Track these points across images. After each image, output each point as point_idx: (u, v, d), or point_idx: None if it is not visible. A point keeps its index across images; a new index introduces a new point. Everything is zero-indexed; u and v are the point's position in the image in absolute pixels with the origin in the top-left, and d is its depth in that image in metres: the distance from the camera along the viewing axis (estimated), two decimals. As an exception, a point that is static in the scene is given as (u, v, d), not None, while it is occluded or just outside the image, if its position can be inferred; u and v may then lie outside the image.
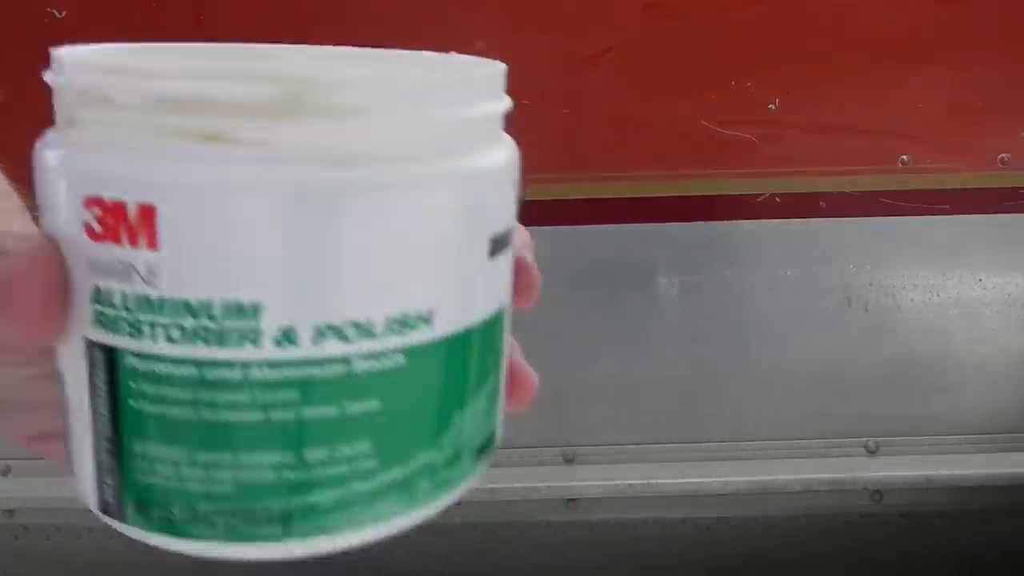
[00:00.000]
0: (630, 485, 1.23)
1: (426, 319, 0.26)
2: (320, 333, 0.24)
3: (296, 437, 0.25)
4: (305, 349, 0.24)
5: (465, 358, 0.27)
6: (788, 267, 1.17)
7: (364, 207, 0.24)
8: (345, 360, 0.24)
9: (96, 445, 0.26)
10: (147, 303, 0.24)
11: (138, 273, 0.24)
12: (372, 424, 0.25)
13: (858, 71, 1.08)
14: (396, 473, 0.26)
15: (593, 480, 1.23)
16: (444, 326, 0.26)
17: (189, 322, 0.24)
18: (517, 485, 1.23)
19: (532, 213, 1.29)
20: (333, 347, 0.24)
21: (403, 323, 0.25)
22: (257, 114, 0.23)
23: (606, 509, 1.26)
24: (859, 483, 1.23)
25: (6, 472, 1.26)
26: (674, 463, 1.23)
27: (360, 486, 0.26)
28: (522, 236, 0.33)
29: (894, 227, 1.14)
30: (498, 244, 0.28)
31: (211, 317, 0.24)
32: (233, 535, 0.25)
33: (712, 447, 1.23)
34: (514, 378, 0.32)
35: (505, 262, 0.29)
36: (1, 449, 1.27)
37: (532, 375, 0.33)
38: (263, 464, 0.25)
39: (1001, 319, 1.19)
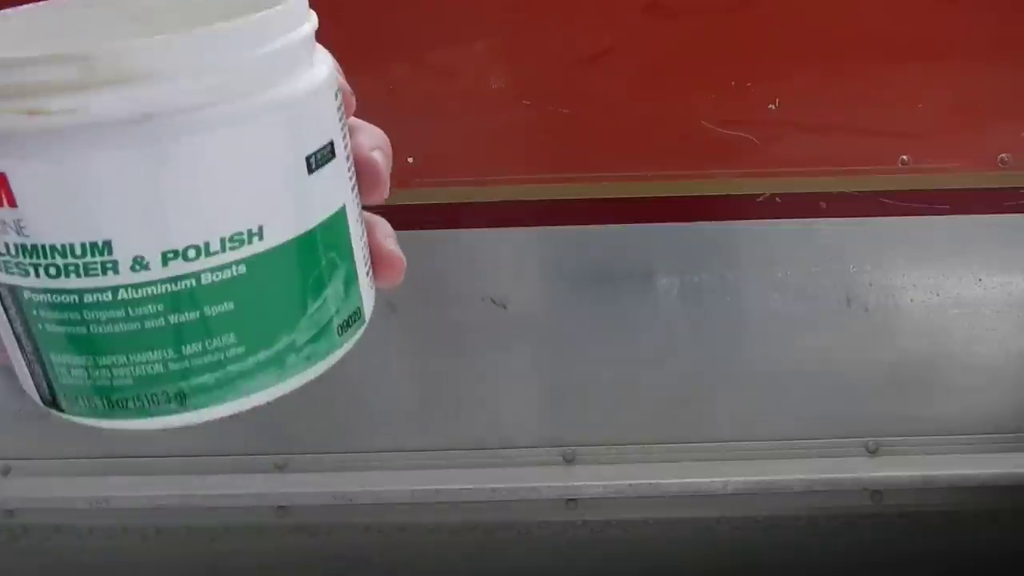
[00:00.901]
0: (630, 485, 1.23)
1: (257, 234, 0.31)
2: (166, 257, 0.30)
3: (172, 337, 0.31)
4: (156, 272, 0.30)
5: (305, 258, 0.33)
6: (788, 267, 1.17)
7: (183, 151, 0.29)
8: (194, 275, 0.31)
9: (27, 359, 0.33)
10: (24, 249, 0.30)
11: (10, 227, 0.30)
12: (233, 320, 0.32)
13: (858, 71, 1.08)
14: (263, 355, 0.33)
15: (593, 480, 1.23)
16: (275, 238, 0.32)
17: (59, 260, 0.30)
18: (517, 485, 1.23)
19: (532, 213, 1.28)
20: (180, 267, 0.30)
21: (237, 240, 0.31)
22: (65, 90, 0.28)
23: (606, 509, 1.26)
24: (859, 483, 1.23)
25: (6, 472, 1.26)
26: (674, 463, 1.23)
27: (234, 367, 0.32)
28: (368, 136, 0.37)
29: (894, 227, 1.14)
30: (318, 160, 0.33)
31: (74, 255, 0.30)
32: (143, 413, 0.32)
33: (712, 447, 1.23)
34: (381, 260, 0.38)
35: (334, 169, 0.34)
36: (1, 449, 1.27)
37: (398, 257, 0.38)
38: (152, 360, 0.31)
39: (1001, 319, 1.19)
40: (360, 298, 0.36)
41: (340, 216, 0.34)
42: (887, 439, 1.22)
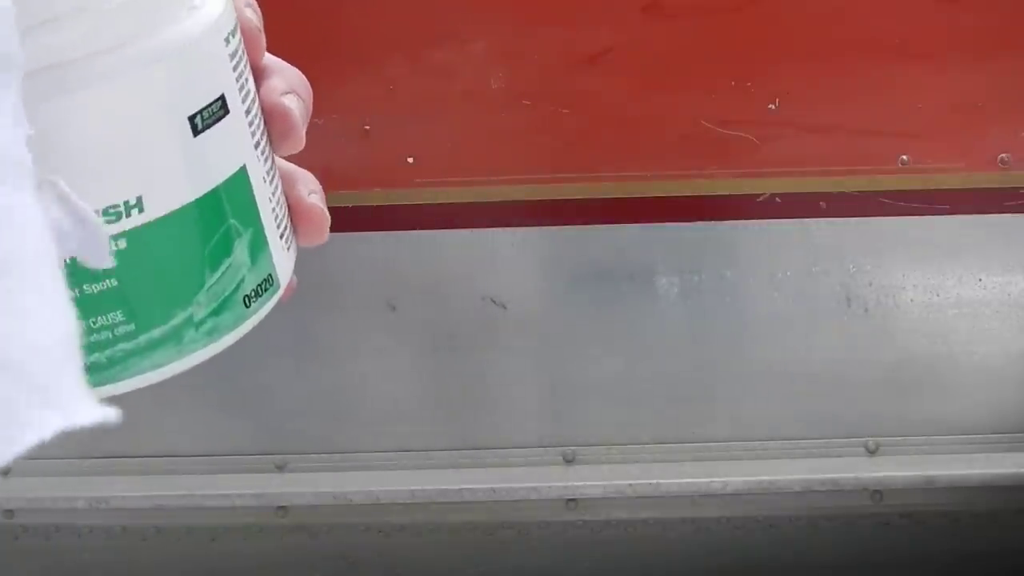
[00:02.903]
0: (630, 485, 1.23)
1: (135, 206, 0.28)
2: None
3: None
4: None
5: (198, 228, 0.30)
6: (788, 267, 1.17)
7: (40, 118, 0.24)
8: None
9: None
10: None
11: None
12: (118, 298, 0.29)
13: (858, 71, 1.08)
14: (157, 332, 0.30)
15: (593, 480, 1.23)
16: (158, 209, 0.29)
17: None
18: (517, 485, 1.23)
19: (532, 213, 1.29)
20: None
21: (113, 213, 0.28)
22: None
23: (606, 509, 1.26)
24: (859, 483, 1.23)
25: (6, 472, 1.26)
26: (674, 463, 1.23)
27: (126, 345, 0.30)
28: (281, 78, 0.34)
29: (894, 227, 1.14)
30: (206, 119, 0.30)
31: None
32: None
33: (712, 447, 1.23)
34: (301, 216, 0.35)
35: (228, 126, 0.30)
36: (1, 449, 1.27)
37: (319, 211, 0.35)
38: None
39: (1001, 319, 1.19)
40: (271, 263, 0.34)
41: (240, 178, 0.31)
42: (887, 439, 1.22)
